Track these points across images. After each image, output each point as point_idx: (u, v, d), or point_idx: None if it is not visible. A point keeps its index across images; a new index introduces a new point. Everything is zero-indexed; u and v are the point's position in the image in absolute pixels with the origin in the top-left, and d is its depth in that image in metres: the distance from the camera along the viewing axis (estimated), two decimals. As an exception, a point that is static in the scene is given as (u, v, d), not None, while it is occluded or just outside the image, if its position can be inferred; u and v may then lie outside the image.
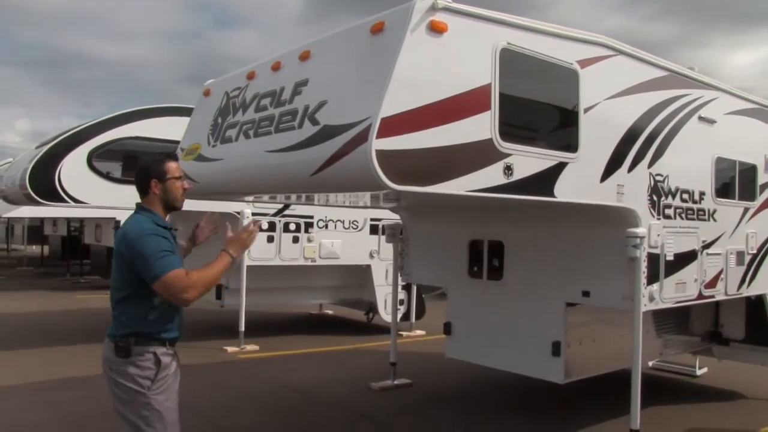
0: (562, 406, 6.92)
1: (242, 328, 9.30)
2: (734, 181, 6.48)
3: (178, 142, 8.43)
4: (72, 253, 19.70)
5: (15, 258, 26.55)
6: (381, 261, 10.73)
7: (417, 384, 7.65)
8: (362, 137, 3.44)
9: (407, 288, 11.01)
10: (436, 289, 12.49)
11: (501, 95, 4.02)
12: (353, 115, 3.57)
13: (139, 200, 3.43)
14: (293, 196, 6.30)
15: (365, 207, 10.41)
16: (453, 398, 7.29)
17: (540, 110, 4.51)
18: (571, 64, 4.63)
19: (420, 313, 11.46)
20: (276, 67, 4.72)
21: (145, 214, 3.32)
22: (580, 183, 4.65)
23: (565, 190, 4.48)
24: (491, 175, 3.98)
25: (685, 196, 5.79)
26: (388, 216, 10.69)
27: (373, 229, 10.73)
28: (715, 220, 6.15)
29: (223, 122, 5.14)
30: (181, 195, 3.44)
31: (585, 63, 4.73)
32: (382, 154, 3.39)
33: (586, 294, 5.55)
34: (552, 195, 4.41)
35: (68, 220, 18.65)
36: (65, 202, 8.26)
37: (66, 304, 13.45)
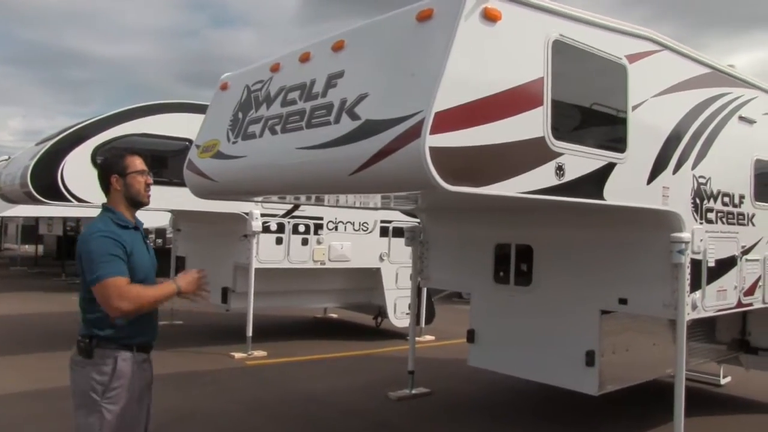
0: (589, 417, 6.65)
1: (250, 333, 8.98)
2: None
3: (185, 139, 8.17)
4: (68, 252, 19.33)
5: (8, 257, 26.09)
6: (391, 264, 10.46)
7: (436, 393, 7.36)
8: (413, 133, 3.15)
9: (417, 292, 10.72)
10: (441, 290, 12.24)
11: (553, 90, 3.74)
12: (401, 109, 3.28)
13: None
14: (314, 197, 5.96)
15: (375, 208, 10.13)
16: (475, 408, 7.00)
17: (589, 107, 4.23)
18: (620, 58, 4.36)
19: (429, 317, 11.17)
20: (304, 59, 4.42)
21: (106, 215, 3.21)
22: (628, 185, 4.39)
23: (614, 192, 4.21)
24: (543, 176, 3.70)
25: (726, 199, 5.53)
26: (399, 218, 10.45)
27: (384, 231, 10.46)
28: (753, 225, 5.90)
29: (245, 117, 4.83)
30: (144, 189, 3.30)
31: (633, 58, 4.47)
32: (435, 152, 3.10)
33: (623, 301, 5.29)
34: (602, 197, 4.15)
35: (64, 219, 18.26)
36: (68, 200, 7.92)
37: (63, 306, 13.05)
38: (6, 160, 12.78)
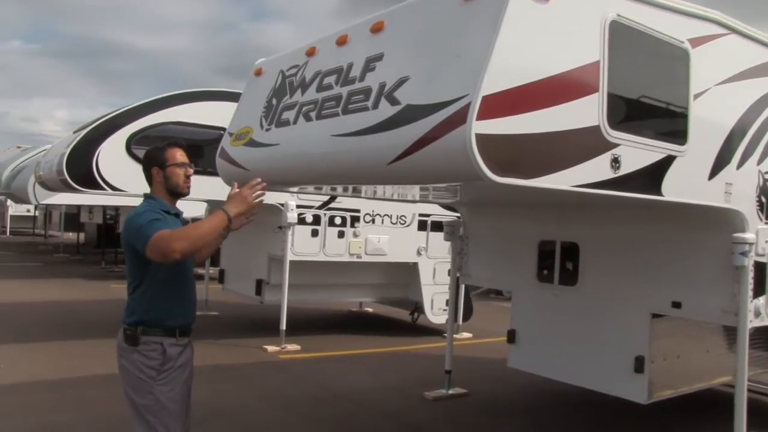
0: (636, 427, 6.30)
1: (283, 326, 8.80)
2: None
3: (219, 128, 8.02)
4: (107, 241, 19.47)
5: (51, 245, 26.55)
6: (429, 259, 10.18)
7: (473, 394, 7.09)
8: (458, 118, 2.89)
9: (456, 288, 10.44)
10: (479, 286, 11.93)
11: (609, 76, 3.43)
12: (445, 93, 3.02)
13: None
14: (351, 188, 5.73)
15: (414, 201, 9.88)
16: (513, 412, 6.72)
17: (648, 95, 3.89)
18: (683, 42, 4.01)
19: (467, 314, 10.88)
20: (342, 42, 4.18)
21: (149, 201, 3.36)
22: (688, 180, 4.05)
23: (672, 188, 3.88)
24: (598, 168, 3.41)
25: (793, 197, 5.13)
26: (437, 211, 10.16)
27: (422, 225, 10.18)
28: (821, 226, 5.47)
29: (279, 103, 4.62)
30: (183, 182, 3.41)
31: (696, 42, 4.11)
32: (482, 139, 2.84)
33: (676, 305, 4.95)
34: (659, 193, 3.82)
35: (104, 208, 18.39)
36: (102, 189, 7.86)
37: (101, 294, 13.12)
38: (47, 149, 12.85)
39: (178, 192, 3.42)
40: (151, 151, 3.48)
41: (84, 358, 7.66)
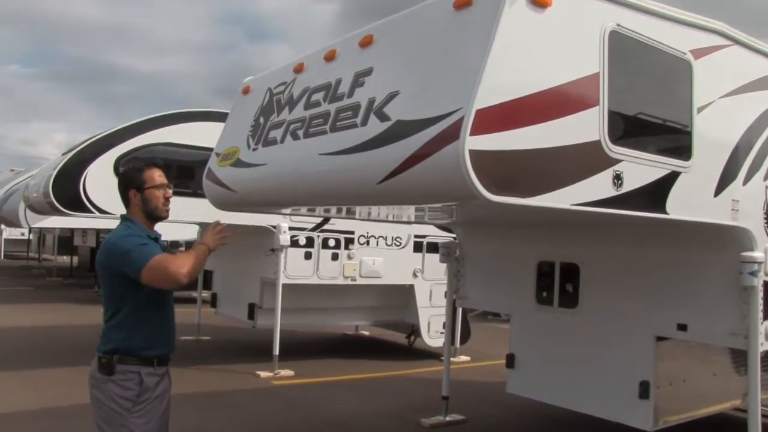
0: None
1: (276, 351, 8.56)
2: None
3: (211, 149, 7.83)
4: (100, 264, 19.21)
5: (45, 268, 26.23)
6: (425, 281, 9.97)
7: (471, 420, 6.84)
8: (451, 134, 2.71)
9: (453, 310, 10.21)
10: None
11: (610, 88, 3.27)
12: (436, 108, 2.85)
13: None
14: (344, 210, 5.54)
15: (409, 222, 9.70)
16: (513, 439, 6.48)
17: (650, 108, 3.73)
18: (685, 54, 3.86)
19: (465, 336, 10.63)
20: (330, 57, 4.03)
21: (127, 225, 3.23)
22: (693, 197, 3.88)
23: (677, 205, 3.71)
24: (599, 186, 3.23)
25: (799, 214, 4.95)
26: (433, 232, 9.97)
27: (417, 247, 9.97)
28: (828, 244, 5.29)
29: (266, 122, 4.45)
30: (162, 204, 3.30)
31: (699, 53, 3.96)
32: (476, 156, 2.66)
33: (682, 327, 4.74)
34: (664, 211, 3.64)
35: (97, 231, 18.16)
36: (90, 211, 7.64)
37: (92, 319, 12.78)
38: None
39: (157, 215, 3.31)
40: (127, 172, 3.38)
41: (71, 386, 7.38)
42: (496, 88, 2.75)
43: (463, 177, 2.65)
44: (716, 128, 4.06)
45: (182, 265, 2.98)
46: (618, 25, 3.38)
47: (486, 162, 2.69)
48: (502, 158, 2.78)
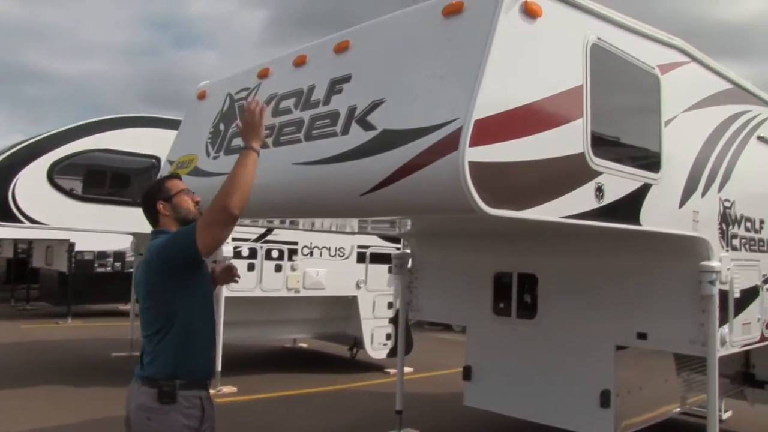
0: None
1: (219, 367, 8.25)
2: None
3: (151, 157, 7.52)
4: (18, 277, 18.19)
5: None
6: (368, 292, 9.87)
7: (425, 433, 6.77)
8: (448, 145, 2.64)
9: (394, 321, 10.14)
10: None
11: (592, 101, 3.27)
12: (429, 117, 2.77)
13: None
14: (302, 222, 5.38)
15: (353, 233, 9.58)
16: (469, 451, 6.44)
17: (625, 122, 3.77)
18: (653, 68, 3.93)
19: (408, 347, 10.55)
20: (300, 62, 3.90)
21: (160, 235, 3.03)
22: (662, 208, 3.94)
23: (649, 217, 3.76)
24: (583, 198, 3.23)
25: (749, 224, 5.14)
26: (376, 242, 9.90)
27: (361, 257, 9.86)
28: (772, 252, 5.52)
29: (228, 129, 4.27)
30: (194, 207, 3.18)
31: (665, 69, 4.04)
32: (476, 167, 2.59)
33: (642, 336, 4.81)
34: (638, 222, 3.68)
35: (15, 242, 17.19)
36: (20, 221, 7.18)
37: (10, 335, 12.12)
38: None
39: (191, 218, 3.10)
40: (149, 189, 3.25)
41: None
42: (493, 97, 2.69)
43: (462, 189, 2.58)
44: (680, 142, 4.16)
45: (226, 194, 2.70)
46: (598, 38, 3.39)
47: (484, 174, 2.63)
48: (498, 170, 2.72)
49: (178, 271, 2.82)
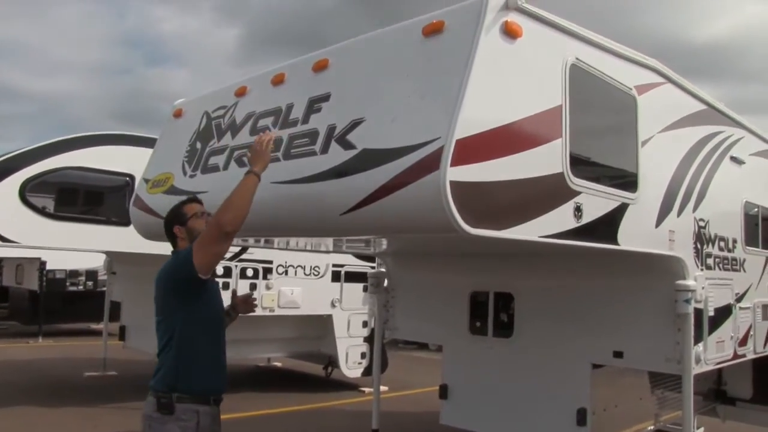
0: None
1: (192, 387, 8.10)
2: (758, 228, 5.97)
3: (125, 175, 7.42)
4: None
5: None
6: (343, 311, 9.81)
7: (401, 454, 6.71)
8: (429, 164, 2.63)
9: (369, 340, 10.07)
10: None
11: (571, 121, 3.30)
12: (410, 136, 2.77)
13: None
14: (277, 242, 5.33)
15: (327, 251, 9.53)
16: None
17: (603, 142, 3.81)
18: (630, 89, 3.98)
19: (383, 366, 10.47)
20: (278, 81, 3.88)
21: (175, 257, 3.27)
22: (639, 228, 3.98)
23: (627, 236, 3.79)
24: (562, 218, 3.24)
25: (722, 243, 5.21)
26: (351, 261, 9.86)
27: (335, 276, 9.81)
28: (745, 271, 5.59)
29: (204, 147, 4.23)
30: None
31: (641, 89, 4.09)
32: (457, 187, 2.58)
33: (618, 354, 4.82)
34: (616, 242, 3.71)
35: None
36: (-10, 241, 7.01)
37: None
38: None
39: None
40: (168, 214, 3.44)
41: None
42: (475, 117, 2.70)
43: (443, 208, 2.57)
44: (657, 162, 4.20)
45: (220, 212, 2.88)
46: (577, 59, 3.42)
47: (465, 194, 2.62)
48: (479, 190, 2.72)
49: (182, 288, 3.03)
